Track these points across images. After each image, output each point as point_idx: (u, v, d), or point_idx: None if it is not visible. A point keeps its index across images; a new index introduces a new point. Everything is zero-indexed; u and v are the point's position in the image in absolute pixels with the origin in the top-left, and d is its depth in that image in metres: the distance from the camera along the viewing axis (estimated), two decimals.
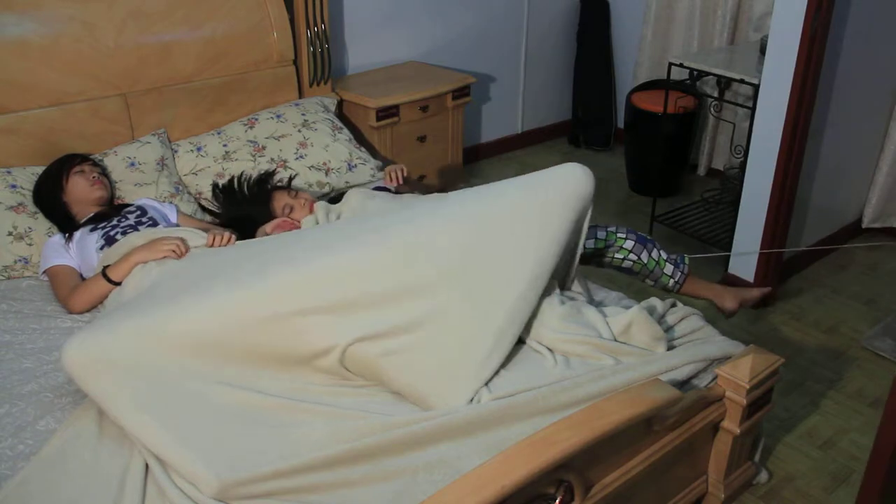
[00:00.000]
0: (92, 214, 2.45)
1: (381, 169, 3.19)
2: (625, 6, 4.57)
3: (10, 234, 2.43)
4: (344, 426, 1.70)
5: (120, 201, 2.64)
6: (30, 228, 2.46)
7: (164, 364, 1.77)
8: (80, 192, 2.47)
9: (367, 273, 1.89)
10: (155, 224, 2.41)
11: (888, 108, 3.47)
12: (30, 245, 2.44)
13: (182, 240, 2.19)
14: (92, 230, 2.38)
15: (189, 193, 2.82)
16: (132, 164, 2.73)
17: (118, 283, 2.16)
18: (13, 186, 2.52)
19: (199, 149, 2.93)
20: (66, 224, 2.44)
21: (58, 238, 2.41)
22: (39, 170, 2.57)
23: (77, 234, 2.39)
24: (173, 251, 2.14)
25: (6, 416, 1.81)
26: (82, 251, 2.35)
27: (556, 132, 4.90)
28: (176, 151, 2.90)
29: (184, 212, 2.66)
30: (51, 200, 2.47)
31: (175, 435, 1.64)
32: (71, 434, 1.74)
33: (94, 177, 2.51)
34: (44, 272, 2.37)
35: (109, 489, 1.61)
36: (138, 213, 2.45)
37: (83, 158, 2.56)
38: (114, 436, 1.74)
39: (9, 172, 2.55)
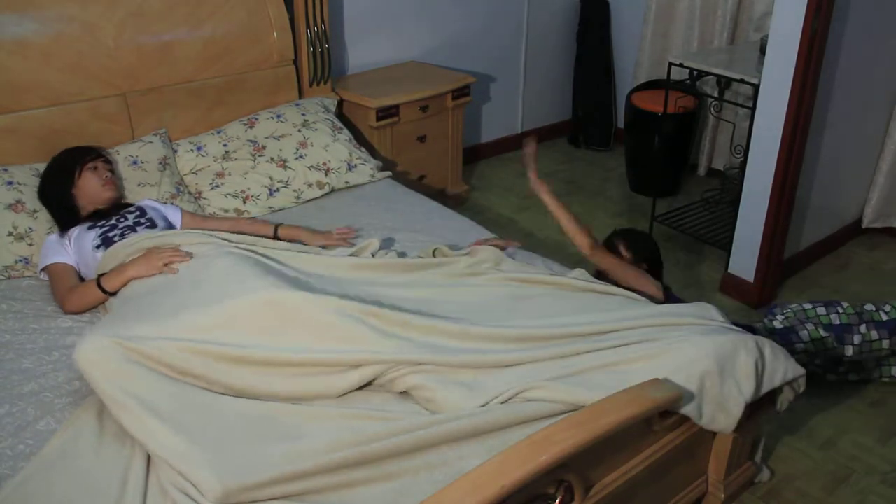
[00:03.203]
0: (92, 211, 2.45)
1: (382, 169, 3.19)
2: (625, 6, 4.57)
3: (10, 234, 2.42)
4: (348, 432, 1.70)
5: (124, 200, 2.63)
6: (30, 229, 2.45)
7: (174, 369, 1.80)
8: (91, 190, 2.45)
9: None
10: (153, 225, 2.41)
11: (888, 108, 3.47)
12: (30, 245, 2.43)
13: (176, 249, 2.20)
14: (90, 228, 2.38)
15: (189, 193, 2.82)
16: (135, 163, 2.73)
17: (112, 294, 2.18)
18: (10, 183, 2.50)
19: (199, 148, 2.93)
20: (68, 217, 2.43)
21: (55, 236, 2.41)
22: (38, 166, 2.57)
23: (75, 231, 2.39)
24: (167, 266, 2.15)
25: (6, 416, 1.81)
26: (80, 249, 2.35)
27: (556, 132, 4.90)
28: (176, 151, 2.90)
29: (187, 210, 2.67)
30: (59, 193, 2.45)
31: (180, 439, 1.64)
32: (71, 434, 1.74)
33: (106, 176, 2.49)
34: (42, 270, 2.37)
35: (110, 489, 1.61)
36: (137, 213, 2.45)
37: (97, 154, 2.54)
38: (115, 435, 1.74)
39: (5, 170, 2.54)
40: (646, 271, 2.63)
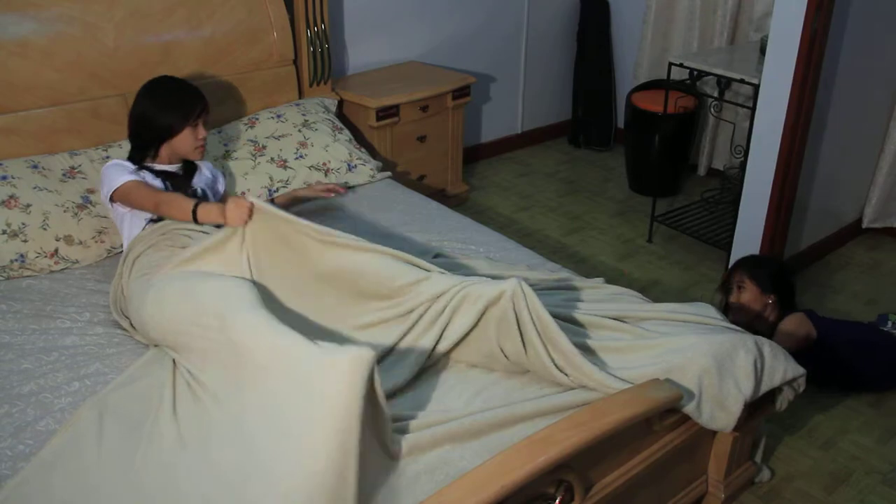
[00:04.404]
0: (169, 169, 2.37)
1: (382, 169, 3.19)
2: (625, 6, 4.57)
3: (3, 231, 2.39)
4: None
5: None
6: (24, 224, 2.41)
7: None
8: (183, 147, 2.35)
9: None
10: None
11: (888, 109, 3.47)
12: (25, 242, 2.40)
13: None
14: (165, 190, 2.30)
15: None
16: None
17: (197, 222, 2.14)
18: (3, 178, 2.47)
19: None
20: (141, 154, 2.35)
21: (128, 163, 2.31)
22: (33, 159, 2.55)
23: (146, 175, 2.30)
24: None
25: (6, 417, 1.81)
26: None
27: (556, 132, 4.90)
28: None
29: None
30: (157, 131, 2.32)
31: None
32: (71, 434, 1.74)
33: (202, 137, 2.37)
34: (112, 193, 2.24)
35: (113, 489, 1.61)
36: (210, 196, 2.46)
37: (204, 107, 2.37)
38: (115, 436, 1.74)
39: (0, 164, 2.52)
40: (777, 301, 2.65)
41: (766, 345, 1.94)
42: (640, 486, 1.85)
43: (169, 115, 2.32)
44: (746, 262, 2.76)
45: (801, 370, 1.98)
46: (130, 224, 2.33)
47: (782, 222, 3.08)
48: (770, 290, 2.66)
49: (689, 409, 1.82)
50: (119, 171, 2.28)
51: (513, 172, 4.43)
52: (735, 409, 1.85)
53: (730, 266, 2.83)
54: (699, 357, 1.83)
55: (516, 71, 4.55)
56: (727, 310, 2.71)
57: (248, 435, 1.60)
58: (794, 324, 2.57)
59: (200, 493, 1.57)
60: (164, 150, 2.37)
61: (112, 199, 2.30)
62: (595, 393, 1.79)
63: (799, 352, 2.55)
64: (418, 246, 2.56)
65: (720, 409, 1.85)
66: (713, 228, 3.60)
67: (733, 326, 2.01)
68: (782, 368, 1.94)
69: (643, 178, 4.17)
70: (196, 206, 2.14)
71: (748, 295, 2.67)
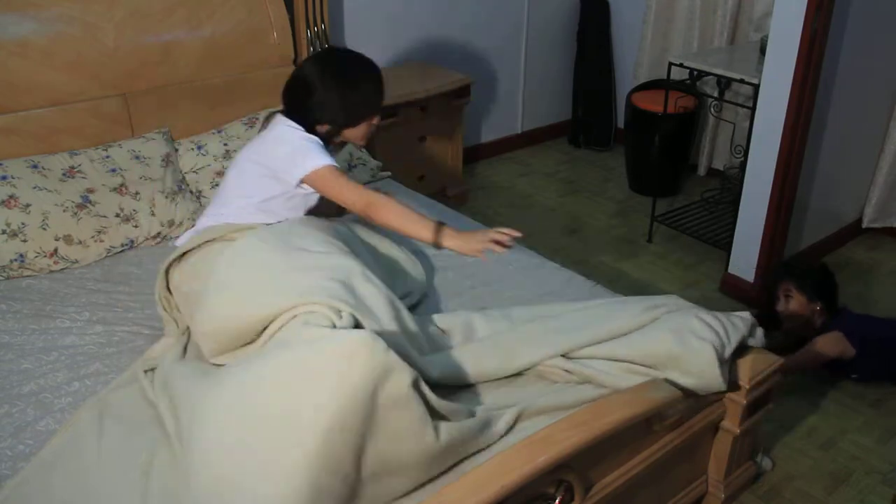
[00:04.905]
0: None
1: (382, 169, 3.18)
2: (625, 6, 4.57)
3: (3, 231, 2.39)
4: None
5: None
6: (23, 224, 2.41)
7: None
8: (355, 134, 2.22)
9: None
10: None
11: (888, 109, 3.47)
12: (24, 242, 2.40)
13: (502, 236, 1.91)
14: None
15: (191, 192, 2.82)
16: (136, 158, 2.71)
17: (437, 246, 1.92)
18: (3, 178, 2.46)
19: (199, 147, 2.93)
20: (309, 131, 2.15)
21: (316, 138, 2.11)
22: (33, 159, 2.54)
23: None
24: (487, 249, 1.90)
25: (6, 417, 1.81)
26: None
27: (556, 132, 4.90)
28: (177, 150, 2.90)
29: None
30: (345, 116, 2.15)
31: None
32: (71, 435, 1.74)
33: (375, 124, 2.23)
34: (308, 174, 2.03)
35: (113, 489, 1.61)
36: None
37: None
38: (115, 436, 1.74)
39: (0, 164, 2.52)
40: (824, 306, 2.70)
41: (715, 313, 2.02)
42: (640, 486, 1.85)
43: (365, 109, 2.18)
44: (791, 272, 2.80)
45: (747, 315, 2.04)
46: (254, 201, 2.11)
47: (782, 222, 3.08)
48: (816, 297, 2.71)
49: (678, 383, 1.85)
50: (318, 148, 2.06)
51: (513, 172, 4.43)
52: (707, 356, 1.85)
53: (773, 274, 2.88)
54: (660, 338, 1.89)
55: (516, 71, 4.55)
56: (771, 319, 2.76)
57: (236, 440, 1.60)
58: (827, 345, 2.61)
59: (200, 493, 1.56)
60: (332, 139, 2.22)
61: (301, 180, 2.05)
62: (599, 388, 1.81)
63: (840, 361, 2.60)
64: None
65: (695, 365, 1.87)
66: (713, 228, 3.60)
67: (681, 301, 2.06)
68: (736, 319, 2.00)
69: (643, 178, 4.17)
70: (439, 224, 1.93)
71: (795, 304, 2.72)
